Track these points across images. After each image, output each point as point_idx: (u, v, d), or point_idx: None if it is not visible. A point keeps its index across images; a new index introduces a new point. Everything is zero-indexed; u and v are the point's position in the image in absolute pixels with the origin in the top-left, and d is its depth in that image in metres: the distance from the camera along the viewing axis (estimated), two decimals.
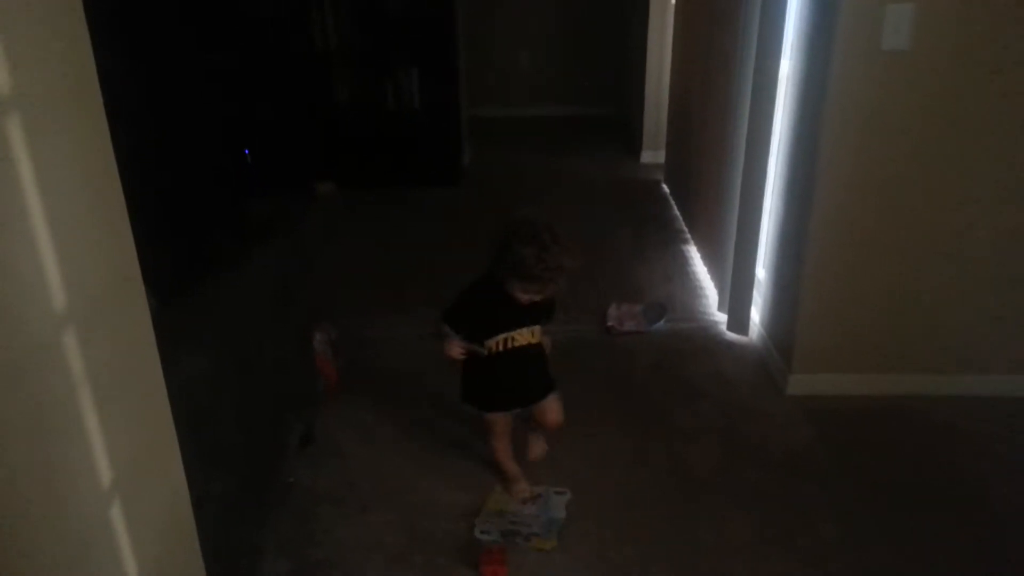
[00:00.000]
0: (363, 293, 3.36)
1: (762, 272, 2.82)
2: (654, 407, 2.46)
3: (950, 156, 2.22)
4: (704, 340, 2.89)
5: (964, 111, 2.17)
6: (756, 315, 2.86)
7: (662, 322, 2.97)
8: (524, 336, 1.91)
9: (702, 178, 3.52)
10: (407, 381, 2.63)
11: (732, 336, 2.89)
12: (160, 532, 1.19)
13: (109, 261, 1.04)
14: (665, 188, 4.71)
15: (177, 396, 1.20)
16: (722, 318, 2.98)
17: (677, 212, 4.25)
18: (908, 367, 2.46)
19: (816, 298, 2.39)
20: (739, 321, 2.87)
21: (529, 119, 6.66)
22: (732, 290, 2.85)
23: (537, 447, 2.16)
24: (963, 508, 2.00)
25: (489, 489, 2.06)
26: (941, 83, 2.14)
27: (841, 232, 2.31)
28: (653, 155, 5.19)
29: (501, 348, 1.90)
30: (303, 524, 1.98)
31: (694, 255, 3.67)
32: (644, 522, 1.97)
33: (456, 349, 1.89)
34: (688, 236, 3.89)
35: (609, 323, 2.95)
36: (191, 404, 1.37)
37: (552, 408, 2.01)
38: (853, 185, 2.26)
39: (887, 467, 2.16)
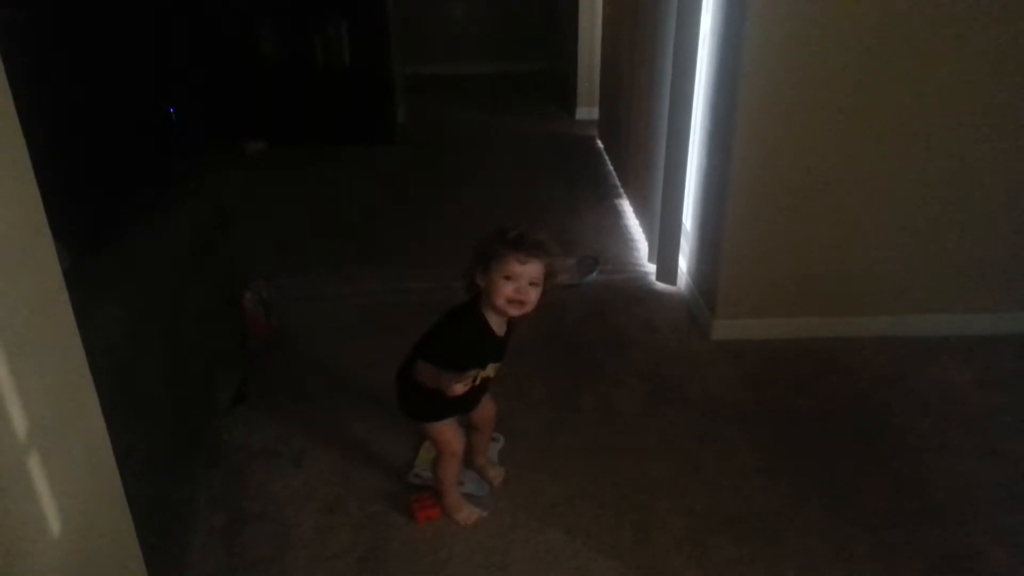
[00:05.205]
0: (296, 251, 3.33)
1: (689, 223, 2.90)
2: (584, 355, 2.54)
3: (867, 106, 2.30)
4: (634, 290, 2.97)
5: (880, 57, 2.24)
6: (684, 265, 2.95)
7: (594, 274, 3.04)
8: (489, 371, 1.76)
9: (632, 133, 3.57)
10: (339, 338, 2.64)
11: (661, 286, 2.98)
12: (83, 487, 1.19)
13: (14, 212, 1.02)
14: (599, 144, 4.75)
15: (99, 352, 1.19)
16: (652, 269, 3.06)
17: (611, 167, 4.30)
18: (826, 311, 2.58)
19: (737, 247, 2.48)
20: (667, 271, 2.96)
21: (465, 76, 6.60)
22: (660, 241, 2.93)
23: (498, 474, 2.00)
24: (870, 438, 2.13)
25: (421, 439, 2.10)
26: (860, 27, 2.20)
27: (759, 184, 2.40)
28: (588, 111, 5.22)
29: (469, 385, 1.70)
30: (238, 479, 1.99)
31: (627, 209, 3.74)
32: (572, 462, 2.04)
33: (461, 387, 1.64)
34: (621, 190, 3.96)
35: None
36: (113, 360, 1.36)
37: (488, 405, 1.90)
38: (771, 137, 2.33)
39: (803, 403, 2.28)
